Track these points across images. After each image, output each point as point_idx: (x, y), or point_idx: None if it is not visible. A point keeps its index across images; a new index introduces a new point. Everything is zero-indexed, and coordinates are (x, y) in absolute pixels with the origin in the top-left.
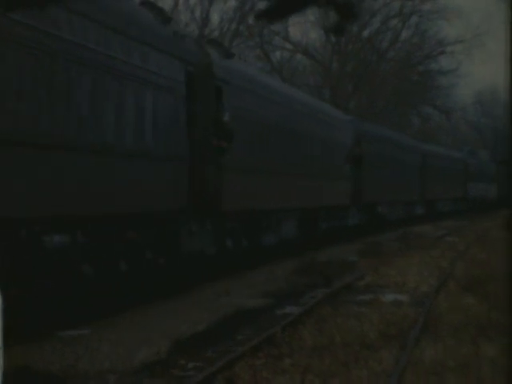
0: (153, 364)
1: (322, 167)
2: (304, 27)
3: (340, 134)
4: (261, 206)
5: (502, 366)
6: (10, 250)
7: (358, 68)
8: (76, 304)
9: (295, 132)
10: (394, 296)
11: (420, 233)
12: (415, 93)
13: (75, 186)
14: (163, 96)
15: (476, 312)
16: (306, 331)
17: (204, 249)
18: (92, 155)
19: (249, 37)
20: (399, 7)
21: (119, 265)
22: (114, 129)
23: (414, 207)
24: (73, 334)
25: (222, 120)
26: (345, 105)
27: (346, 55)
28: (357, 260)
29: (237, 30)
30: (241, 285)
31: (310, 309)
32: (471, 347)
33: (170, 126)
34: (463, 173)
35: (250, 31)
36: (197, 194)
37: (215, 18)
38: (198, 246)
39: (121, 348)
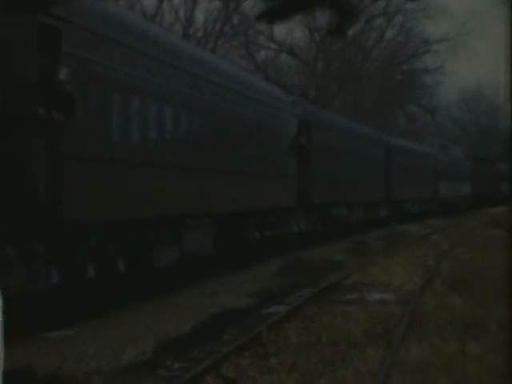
0: (139, 364)
1: (252, 160)
2: (288, 27)
3: (279, 119)
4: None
5: (487, 363)
6: None
7: (343, 67)
8: (62, 305)
9: (211, 113)
10: (380, 295)
11: (405, 232)
12: (400, 92)
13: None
14: None
15: (461, 310)
16: (292, 330)
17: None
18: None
19: (233, 37)
20: (384, 6)
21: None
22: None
23: (376, 209)
24: (58, 335)
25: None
26: (329, 104)
27: (330, 55)
28: (343, 259)
29: (221, 30)
30: (227, 285)
31: (296, 308)
32: (457, 345)
33: None
34: (433, 170)
35: (235, 31)
36: None
37: (199, 17)
38: None
39: (107, 349)
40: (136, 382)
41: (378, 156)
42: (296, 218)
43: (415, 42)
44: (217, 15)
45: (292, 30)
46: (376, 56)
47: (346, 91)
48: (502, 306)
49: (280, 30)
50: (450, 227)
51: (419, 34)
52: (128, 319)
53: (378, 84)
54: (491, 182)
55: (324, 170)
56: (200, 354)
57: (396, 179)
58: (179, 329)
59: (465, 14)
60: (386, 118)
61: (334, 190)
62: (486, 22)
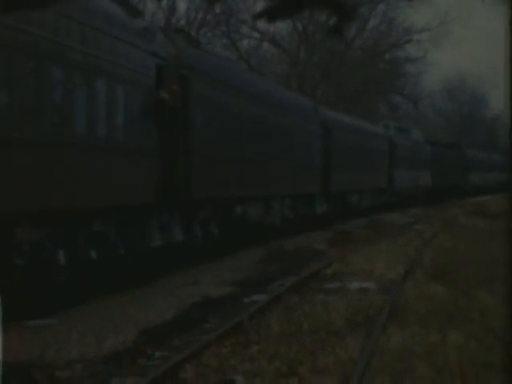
0: (120, 353)
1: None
2: None
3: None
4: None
5: (468, 352)
6: None
7: (326, 57)
8: (44, 293)
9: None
10: (361, 284)
11: (387, 221)
12: (383, 81)
13: None
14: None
15: (443, 299)
16: (273, 319)
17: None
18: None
19: (216, 26)
20: None
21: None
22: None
23: (310, 204)
24: (40, 323)
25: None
26: (312, 93)
27: (313, 44)
28: (324, 248)
29: (204, 19)
30: (208, 273)
31: (277, 296)
32: (438, 335)
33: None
34: (388, 155)
35: (217, 20)
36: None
37: (182, 6)
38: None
39: (88, 337)
40: (116, 370)
41: (314, 135)
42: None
43: (397, 32)
44: (199, 4)
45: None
46: (359, 45)
47: (328, 80)
48: (484, 295)
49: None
50: (433, 216)
51: (402, 24)
52: (110, 307)
53: (361, 73)
54: (456, 170)
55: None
56: (181, 343)
57: (336, 165)
58: (160, 317)
59: (447, 2)
60: (368, 107)
61: (243, 180)
62: (468, 11)
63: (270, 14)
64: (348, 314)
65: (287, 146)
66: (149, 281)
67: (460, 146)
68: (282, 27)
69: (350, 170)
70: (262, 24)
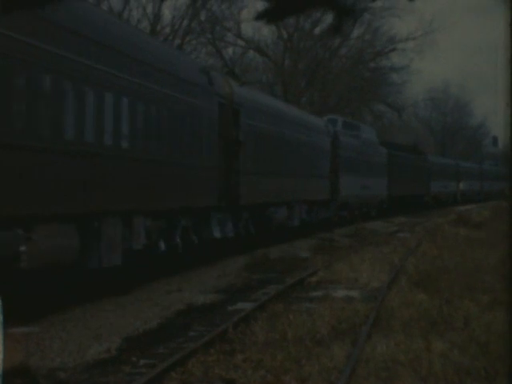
0: (104, 361)
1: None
2: (256, 24)
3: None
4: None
5: (452, 360)
6: None
7: (310, 65)
8: (26, 301)
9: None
10: (346, 292)
11: (372, 229)
12: (367, 90)
13: None
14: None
15: (427, 307)
16: (258, 327)
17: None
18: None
19: (201, 33)
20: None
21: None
22: None
23: (205, 223)
24: (22, 331)
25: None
26: (297, 101)
27: (298, 52)
28: (309, 256)
29: (189, 27)
30: (192, 281)
31: (262, 305)
32: (422, 342)
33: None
34: (332, 156)
35: (202, 28)
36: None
37: (167, 14)
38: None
39: (72, 345)
40: (101, 378)
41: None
42: None
43: (382, 41)
44: (184, 12)
45: (260, 28)
46: (343, 54)
47: (313, 88)
48: (467, 303)
49: (247, 27)
50: (417, 225)
51: (386, 33)
52: (93, 315)
53: (346, 81)
54: (417, 178)
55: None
56: (166, 351)
57: (249, 166)
58: (145, 325)
59: (432, 12)
60: (353, 115)
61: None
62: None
63: (271, 15)
64: (333, 323)
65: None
66: (132, 288)
67: (421, 150)
68: (267, 35)
69: (273, 174)
70: (246, 32)
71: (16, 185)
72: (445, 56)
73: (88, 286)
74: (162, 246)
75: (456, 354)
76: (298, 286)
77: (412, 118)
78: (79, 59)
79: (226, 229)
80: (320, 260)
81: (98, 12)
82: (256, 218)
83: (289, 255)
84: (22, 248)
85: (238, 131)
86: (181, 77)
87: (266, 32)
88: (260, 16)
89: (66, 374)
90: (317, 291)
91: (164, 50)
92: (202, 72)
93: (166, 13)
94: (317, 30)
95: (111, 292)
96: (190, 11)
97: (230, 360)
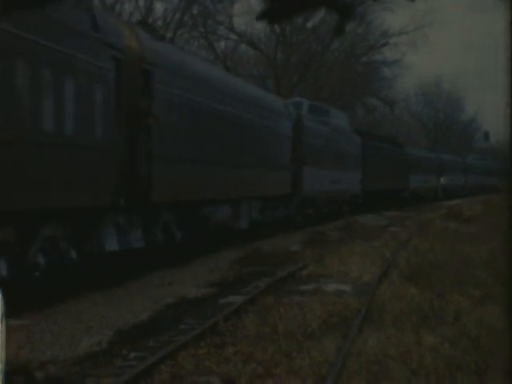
0: (95, 354)
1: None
2: (248, 18)
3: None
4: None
5: (443, 354)
6: None
7: (303, 59)
8: (17, 294)
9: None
10: (337, 286)
11: (362, 223)
12: (359, 83)
13: None
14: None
15: (418, 301)
16: (249, 320)
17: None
18: None
19: (193, 27)
20: None
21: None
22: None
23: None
24: (13, 324)
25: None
26: (289, 95)
27: (290, 46)
28: (300, 249)
29: (181, 20)
30: (184, 274)
31: (253, 298)
32: (413, 336)
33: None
34: (293, 145)
35: (195, 21)
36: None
37: (159, 7)
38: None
39: (63, 338)
40: (92, 371)
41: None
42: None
43: (374, 35)
44: (176, 5)
45: (252, 21)
46: (336, 48)
47: (305, 82)
48: (458, 297)
49: (240, 20)
50: (409, 218)
51: (379, 27)
52: (85, 308)
53: (338, 75)
54: (395, 172)
55: None
56: (156, 344)
57: (166, 144)
58: (136, 318)
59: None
60: (345, 109)
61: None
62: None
63: (272, 15)
64: (324, 316)
65: None
66: (123, 282)
67: (399, 141)
68: (259, 28)
69: (209, 163)
70: (239, 25)
71: None
72: (437, 50)
73: (79, 279)
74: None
75: (447, 347)
76: (289, 280)
77: (404, 112)
78: None
79: (130, 238)
80: (311, 254)
81: None
82: (184, 220)
83: (280, 249)
84: None
85: (150, 101)
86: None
87: (258, 26)
88: (261, 16)
89: (56, 366)
90: (308, 285)
91: None
92: (82, 10)
93: (158, 6)
94: (309, 24)
95: (103, 285)
96: (182, 4)
97: (221, 353)
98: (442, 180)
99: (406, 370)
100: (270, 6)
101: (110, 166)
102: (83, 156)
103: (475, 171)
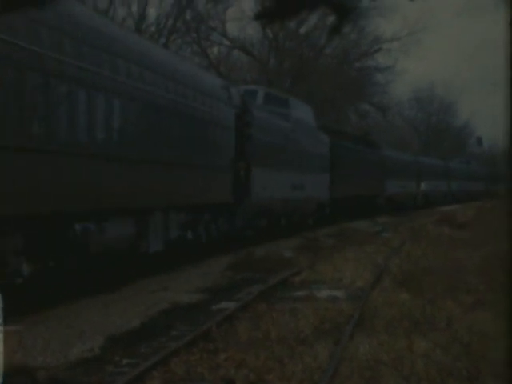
0: (87, 360)
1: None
2: (241, 23)
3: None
4: None
5: (435, 360)
6: None
7: (295, 64)
8: (8, 300)
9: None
10: (330, 292)
11: (356, 228)
12: (352, 89)
13: None
14: None
15: (410, 307)
16: (241, 326)
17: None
18: None
19: (186, 32)
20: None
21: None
22: None
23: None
24: (4, 329)
25: None
26: None
27: (283, 51)
28: (293, 256)
29: (174, 26)
30: (177, 280)
31: (245, 304)
32: (405, 342)
33: None
34: (238, 140)
35: (187, 27)
36: None
37: (152, 13)
38: None
39: (55, 344)
40: (83, 377)
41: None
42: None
43: (367, 40)
44: (169, 11)
45: (245, 27)
46: (329, 53)
47: (298, 87)
48: (450, 304)
49: (233, 26)
50: (401, 225)
51: (372, 32)
52: (77, 314)
53: (331, 81)
54: (369, 176)
55: None
56: (149, 350)
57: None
58: (128, 324)
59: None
60: (337, 114)
61: None
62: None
63: (270, 16)
64: (317, 322)
65: None
66: (116, 287)
67: (374, 141)
68: (252, 34)
69: (89, 156)
70: (231, 31)
71: None
72: (430, 56)
73: (71, 285)
74: None
75: (438, 353)
76: (282, 286)
77: (396, 118)
78: None
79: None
80: (303, 260)
81: None
82: (37, 245)
83: (273, 255)
84: None
85: None
86: None
87: (251, 31)
88: (259, 16)
89: (48, 373)
90: (300, 291)
91: None
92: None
93: (151, 11)
94: (302, 30)
95: (95, 290)
96: (175, 10)
97: (213, 359)
98: (423, 185)
99: (398, 375)
100: (267, 6)
101: None
102: None
103: (460, 176)
